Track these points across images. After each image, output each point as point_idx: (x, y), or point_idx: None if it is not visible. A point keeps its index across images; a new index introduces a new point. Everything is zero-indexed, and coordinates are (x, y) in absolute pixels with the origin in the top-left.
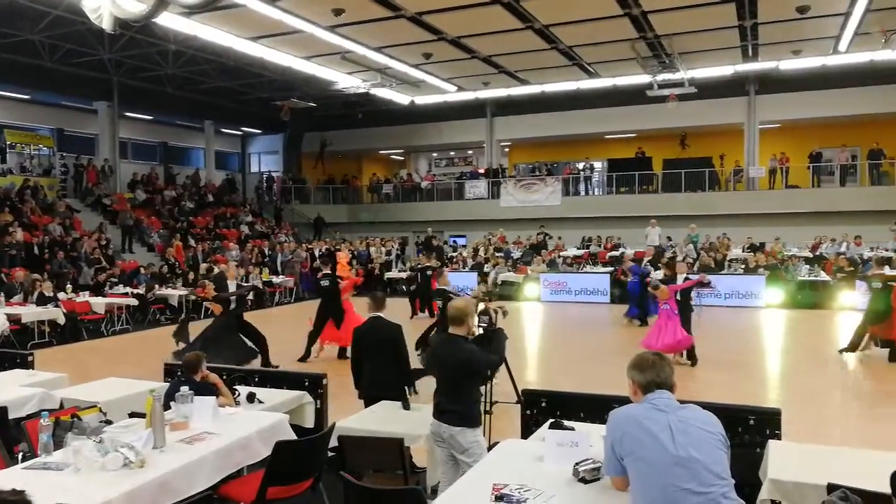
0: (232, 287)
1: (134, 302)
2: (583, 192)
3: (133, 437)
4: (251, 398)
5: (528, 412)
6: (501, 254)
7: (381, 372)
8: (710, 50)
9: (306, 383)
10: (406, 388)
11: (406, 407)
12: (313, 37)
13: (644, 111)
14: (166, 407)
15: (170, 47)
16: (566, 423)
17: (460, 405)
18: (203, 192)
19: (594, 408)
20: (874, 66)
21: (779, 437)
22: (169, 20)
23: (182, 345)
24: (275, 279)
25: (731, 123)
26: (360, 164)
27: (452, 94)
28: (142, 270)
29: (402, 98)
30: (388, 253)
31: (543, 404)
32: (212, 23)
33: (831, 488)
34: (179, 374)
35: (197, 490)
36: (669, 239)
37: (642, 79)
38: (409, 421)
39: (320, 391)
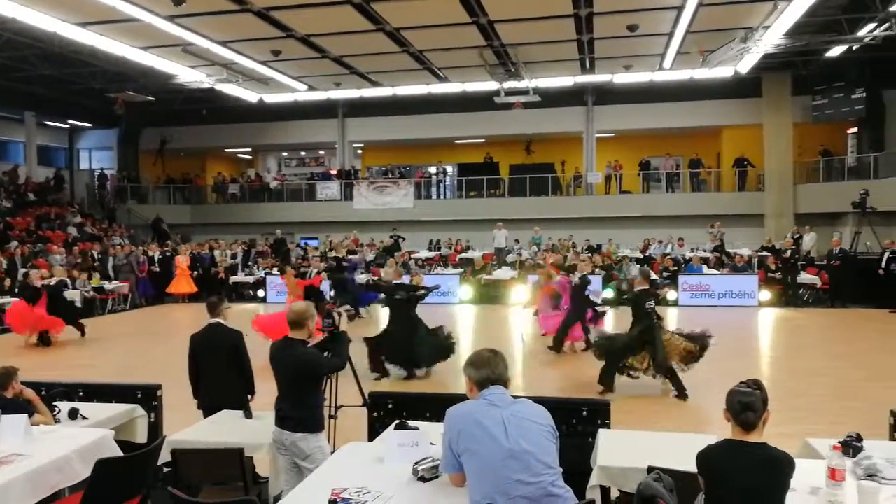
0: None
1: None
2: (435, 196)
3: None
4: (73, 414)
5: (374, 415)
6: (355, 256)
7: (220, 381)
8: (552, 61)
9: (138, 395)
10: (248, 396)
11: (248, 416)
12: (151, 26)
13: (492, 117)
14: None
15: None
16: (411, 423)
17: (301, 411)
18: (23, 191)
19: (440, 407)
20: (694, 83)
21: (608, 426)
22: None
23: None
24: (107, 285)
25: (571, 132)
26: (203, 163)
27: (303, 94)
28: None
29: (249, 95)
30: (234, 256)
31: (390, 406)
32: (34, 4)
33: (650, 470)
34: None
35: None
36: (517, 241)
37: (490, 85)
38: (251, 430)
39: (154, 403)
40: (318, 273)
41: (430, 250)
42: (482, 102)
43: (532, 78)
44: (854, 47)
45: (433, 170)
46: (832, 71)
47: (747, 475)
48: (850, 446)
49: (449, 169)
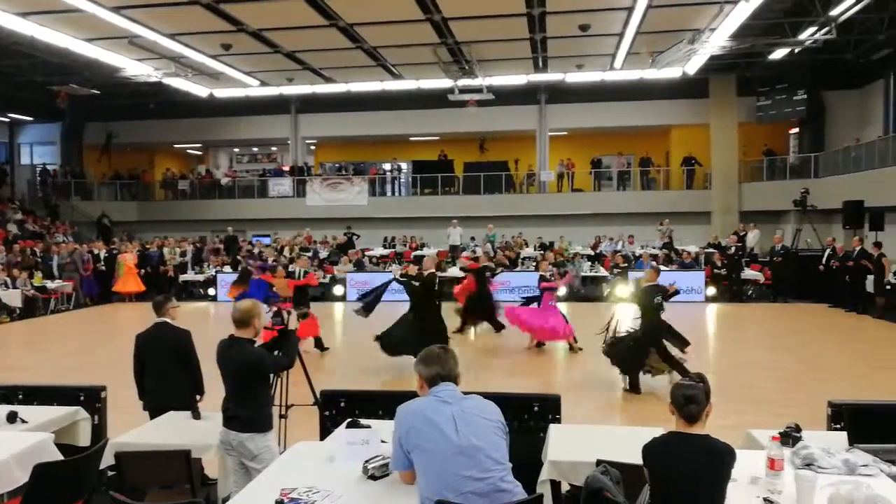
0: None
1: None
2: (389, 193)
3: None
4: (11, 418)
5: (326, 413)
6: (308, 253)
7: (166, 381)
8: (506, 59)
9: (81, 397)
10: (197, 396)
11: (196, 416)
12: (95, 17)
13: (446, 115)
14: None
15: None
16: (363, 421)
17: (248, 410)
18: None
19: (393, 405)
20: (644, 83)
21: (559, 421)
22: None
23: None
24: (49, 284)
25: (524, 130)
26: (152, 159)
27: (255, 89)
28: None
29: (199, 90)
30: (183, 254)
31: (342, 404)
32: None
33: (599, 464)
34: None
35: None
36: (473, 239)
37: (444, 83)
38: (199, 431)
39: (98, 405)
40: (308, 272)
41: (384, 248)
42: (436, 100)
43: (486, 76)
44: (796, 50)
45: (387, 167)
46: (775, 73)
47: (690, 466)
48: (790, 437)
49: (403, 166)
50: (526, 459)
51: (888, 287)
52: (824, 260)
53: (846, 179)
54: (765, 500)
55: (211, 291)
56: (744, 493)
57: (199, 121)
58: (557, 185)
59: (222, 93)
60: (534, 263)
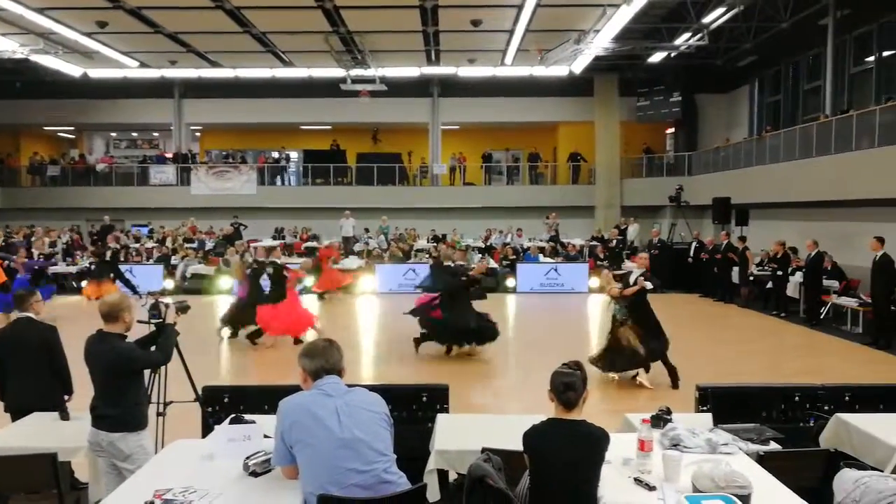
0: None
1: None
2: (279, 182)
3: None
4: None
5: (209, 409)
6: (193, 245)
7: (30, 380)
8: (399, 51)
9: None
10: (65, 396)
11: (64, 417)
12: None
13: (339, 104)
14: None
15: None
16: (248, 417)
17: (118, 409)
18: None
19: (279, 399)
20: (533, 80)
21: (447, 411)
22: None
23: None
24: None
25: (417, 122)
26: (17, 141)
27: (134, 70)
28: None
29: (72, 69)
30: (53, 244)
31: (226, 400)
32: None
33: (484, 452)
34: None
35: None
36: (366, 231)
37: (337, 72)
38: (67, 432)
39: None
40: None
41: (274, 239)
42: (329, 89)
43: (379, 67)
44: (672, 55)
45: (276, 155)
46: (654, 75)
47: (567, 451)
48: (660, 419)
49: (293, 155)
50: (414, 450)
51: (752, 278)
52: (692, 252)
53: (716, 177)
54: (635, 479)
55: (84, 284)
56: (617, 473)
57: (71, 102)
58: (450, 178)
59: (98, 73)
60: (427, 256)
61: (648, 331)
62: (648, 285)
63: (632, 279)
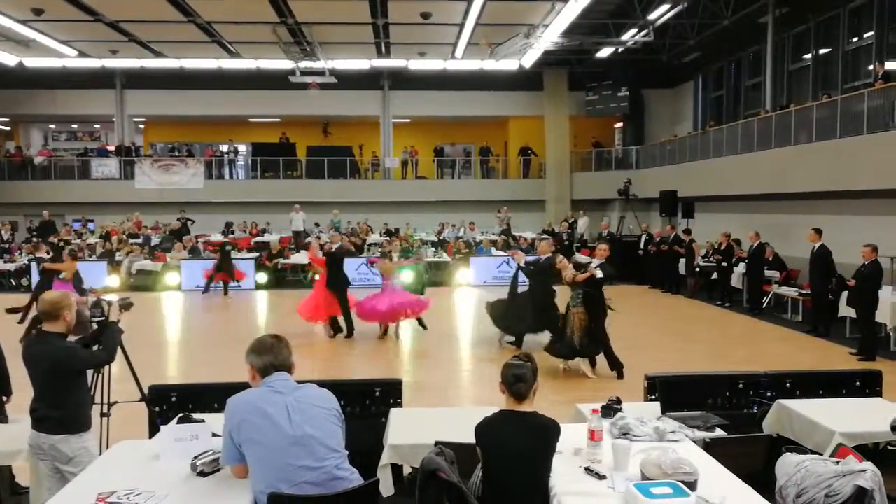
0: None
1: None
2: (227, 176)
3: None
4: None
5: (156, 409)
6: (138, 240)
7: None
8: (348, 43)
9: None
10: (3, 398)
11: (2, 420)
12: None
13: (288, 97)
14: None
15: None
16: (197, 416)
17: (60, 410)
18: None
19: (228, 397)
20: (484, 74)
21: (400, 405)
22: None
23: None
24: None
25: (368, 115)
26: None
27: (73, 60)
28: None
29: (6, 57)
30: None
31: (174, 399)
32: None
33: (436, 445)
34: None
35: None
36: (317, 225)
37: (286, 64)
38: (6, 436)
39: None
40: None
41: (223, 234)
42: (277, 81)
43: (328, 59)
44: (619, 50)
45: (224, 148)
46: (602, 70)
47: (518, 442)
48: (610, 409)
49: (242, 148)
50: (368, 445)
51: (697, 270)
52: (642, 245)
53: (662, 171)
54: (586, 469)
55: (24, 281)
56: (568, 463)
57: (6, 92)
58: (402, 172)
59: (34, 62)
60: (379, 249)
61: (593, 325)
62: (599, 273)
63: (590, 268)
